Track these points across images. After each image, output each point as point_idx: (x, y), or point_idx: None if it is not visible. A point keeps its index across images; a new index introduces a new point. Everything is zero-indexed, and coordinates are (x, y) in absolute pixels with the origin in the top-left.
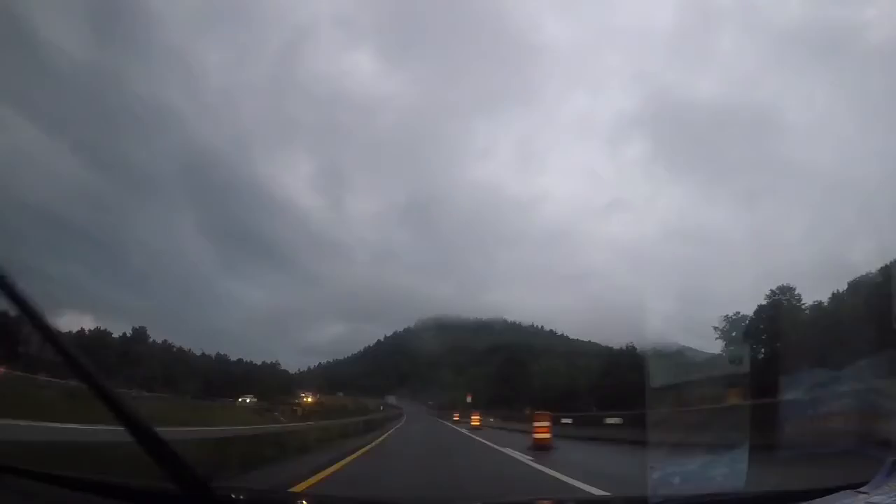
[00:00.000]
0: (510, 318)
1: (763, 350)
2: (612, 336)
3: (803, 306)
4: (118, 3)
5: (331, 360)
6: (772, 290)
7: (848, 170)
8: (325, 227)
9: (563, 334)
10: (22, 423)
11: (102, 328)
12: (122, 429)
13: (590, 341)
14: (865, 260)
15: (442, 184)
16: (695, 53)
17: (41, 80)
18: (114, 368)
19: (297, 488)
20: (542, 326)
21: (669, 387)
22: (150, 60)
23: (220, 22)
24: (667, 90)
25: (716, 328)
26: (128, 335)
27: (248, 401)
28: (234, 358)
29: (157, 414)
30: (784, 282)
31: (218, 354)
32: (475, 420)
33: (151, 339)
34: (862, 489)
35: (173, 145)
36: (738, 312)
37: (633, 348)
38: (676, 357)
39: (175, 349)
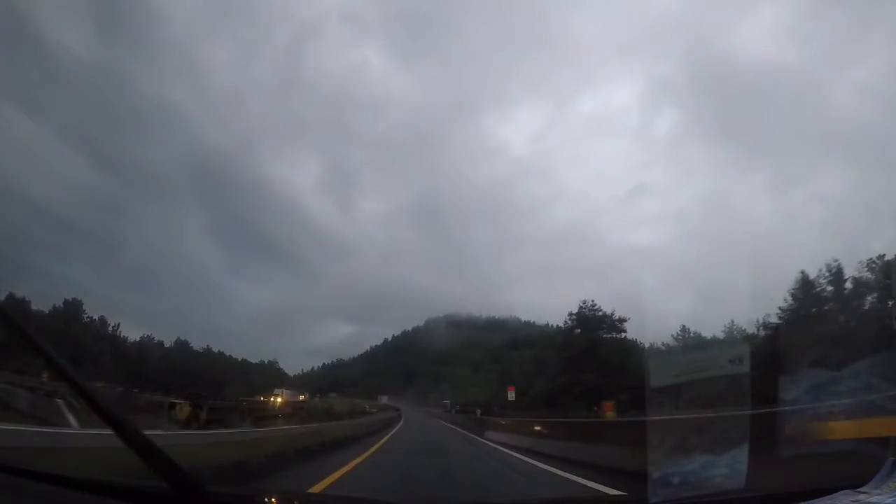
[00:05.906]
0: (524, 317)
1: None
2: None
3: None
4: (123, 1)
5: (334, 361)
6: None
7: None
8: (332, 227)
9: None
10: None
11: (21, 296)
12: (111, 432)
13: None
14: None
15: (452, 181)
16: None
17: (45, 79)
18: None
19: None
20: (557, 325)
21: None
22: (155, 58)
23: (225, 18)
24: (704, 46)
25: (855, 279)
26: (58, 308)
27: None
28: (216, 351)
29: None
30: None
31: (178, 340)
32: None
33: (87, 317)
34: (862, 489)
35: (179, 143)
36: (884, 255)
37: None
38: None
39: (111, 330)
